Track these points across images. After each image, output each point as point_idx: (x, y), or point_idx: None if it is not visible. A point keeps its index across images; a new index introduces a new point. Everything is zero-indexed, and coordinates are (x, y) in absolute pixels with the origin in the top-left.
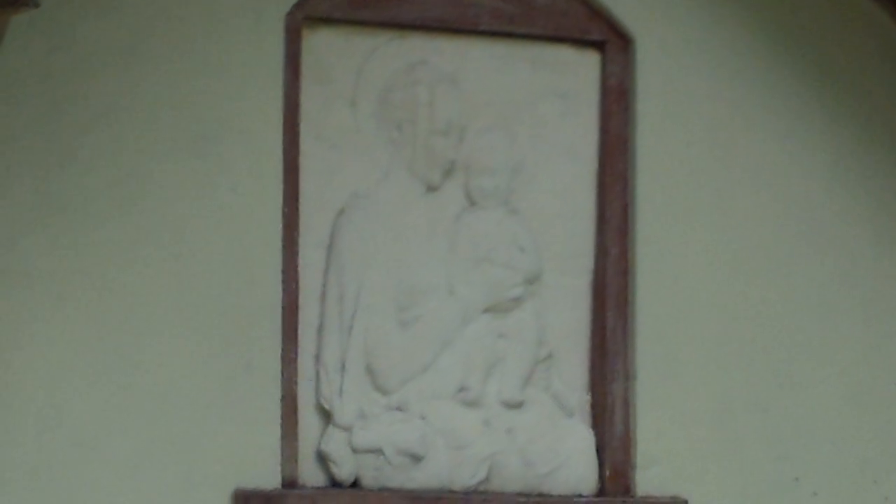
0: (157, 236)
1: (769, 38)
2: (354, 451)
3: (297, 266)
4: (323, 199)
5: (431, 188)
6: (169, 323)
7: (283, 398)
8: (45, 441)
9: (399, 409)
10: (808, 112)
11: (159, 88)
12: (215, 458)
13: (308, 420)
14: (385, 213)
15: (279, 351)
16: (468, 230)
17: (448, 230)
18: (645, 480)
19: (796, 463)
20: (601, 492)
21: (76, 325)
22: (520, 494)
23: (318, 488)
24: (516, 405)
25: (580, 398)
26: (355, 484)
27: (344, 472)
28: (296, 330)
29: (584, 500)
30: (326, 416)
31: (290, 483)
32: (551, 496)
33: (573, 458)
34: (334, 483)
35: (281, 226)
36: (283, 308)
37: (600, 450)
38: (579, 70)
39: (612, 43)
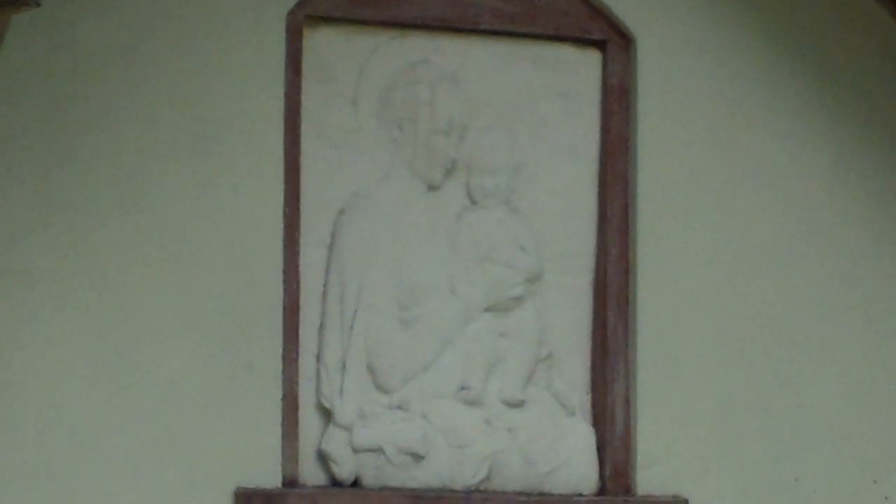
0: (157, 236)
1: (769, 38)
2: (355, 450)
3: (297, 265)
4: (324, 198)
5: (432, 187)
6: (169, 322)
7: (284, 397)
8: (46, 440)
9: (400, 408)
10: (808, 111)
11: (160, 88)
12: (216, 458)
13: (309, 419)
14: (386, 213)
15: (280, 350)
16: (469, 229)
17: (449, 229)
18: (645, 480)
19: (796, 462)
20: (602, 491)
21: (76, 324)
22: (521, 493)
23: (319, 487)
24: (517, 404)
25: (581, 397)
26: (356, 483)
27: (344, 472)
28: (297, 329)
29: (584, 499)
30: (327, 415)
31: (290, 482)
32: (552, 495)
33: (574, 457)
34: (335, 482)
35: (282, 225)
36: (284, 307)
37: (601, 449)
38: (580, 69)
39: (613, 42)
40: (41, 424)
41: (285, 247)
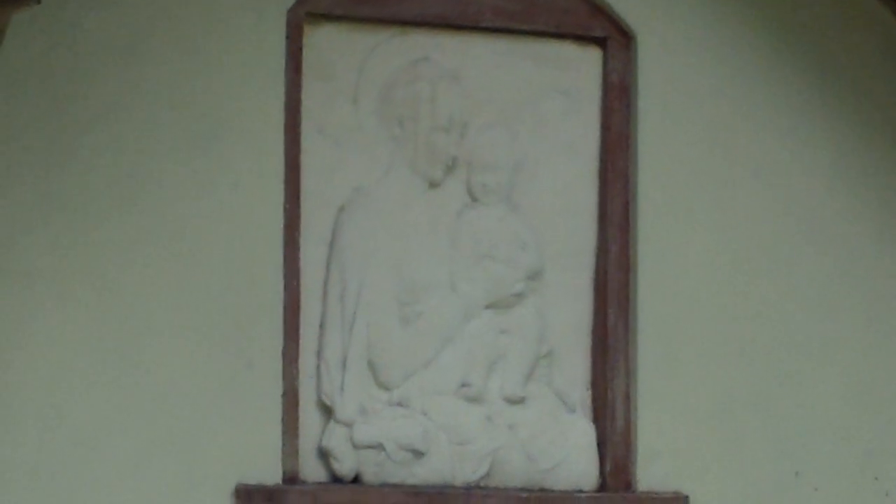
0: (158, 234)
1: (770, 35)
2: (355, 446)
3: (298, 263)
4: (324, 195)
5: (433, 185)
6: (170, 320)
7: (285, 394)
8: (47, 439)
9: (400, 404)
10: (809, 109)
11: (160, 86)
12: (217, 455)
13: (309, 416)
14: (386, 210)
15: (280, 347)
16: (470, 227)
17: (449, 227)
18: (646, 476)
19: (797, 458)
20: (602, 487)
21: (77, 323)
22: (521, 490)
23: (320, 484)
24: (518, 401)
25: (581, 394)
26: (356, 479)
27: (345, 468)
28: (297, 326)
29: (585, 495)
30: (328, 411)
31: (291, 479)
32: (553, 491)
33: (574, 453)
34: (335, 479)
35: (282, 222)
36: (285, 305)
37: (601, 445)
38: (581, 67)
39: (613, 39)
40: (41, 423)
41: (286, 244)
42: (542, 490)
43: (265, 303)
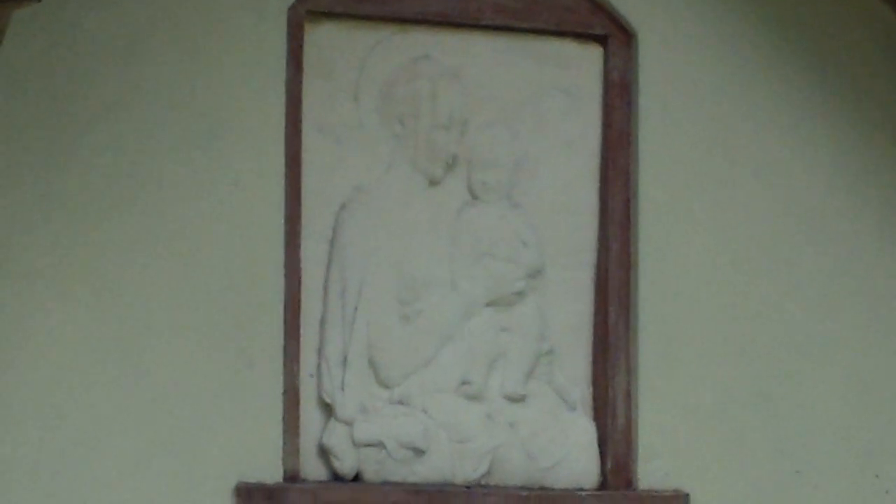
0: (159, 231)
1: (771, 33)
2: (356, 444)
3: (299, 260)
4: (325, 193)
5: (433, 182)
6: (170, 319)
7: (285, 392)
8: (47, 438)
9: (401, 402)
10: (810, 107)
11: (160, 85)
12: (217, 453)
13: (310, 414)
14: (387, 208)
15: (281, 345)
16: (470, 224)
17: (450, 224)
18: (647, 474)
19: (797, 456)
20: (603, 485)
21: (77, 322)
22: (522, 488)
23: (320, 482)
24: (518, 399)
25: (582, 392)
26: (357, 478)
27: (346, 466)
28: (297, 325)
29: (585, 493)
30: (328, 410)
31: (291, 477)
32: (553, 490)
33: (575, 451)
34: (336, 477)
35: (283, 220)
36: (285, 303)
37: (602, 443)
38: (582, 64)
39: (614, 37)
40: (42, 422)
41: (286, 242)
42: (543, 488)
43: (266, 301)
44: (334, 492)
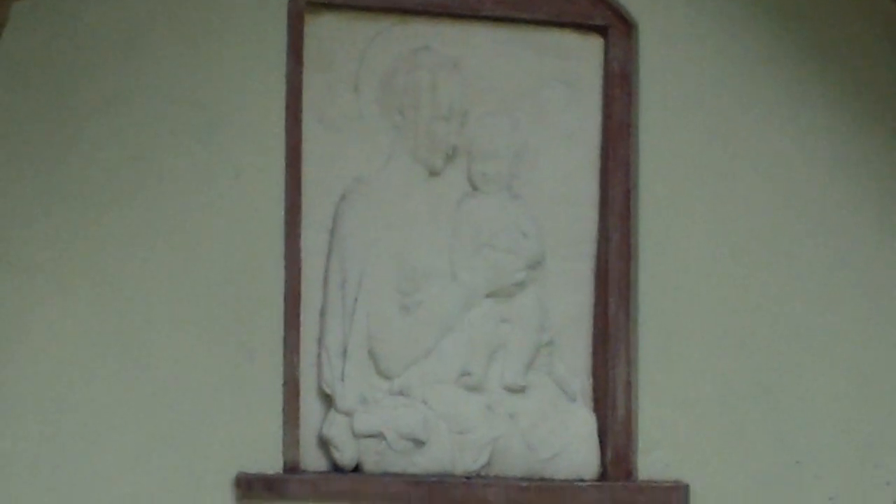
0: (159, 223)
1: (771, 23)
2: (356, 435)
3: (299, 251)
4: (325, 184)
5: (434, 173)
6: (171, 310)
7: (285, 383)
8: (47, 431)
9: (401, 393)
10: (810, 98)
11: (161, 75)
12: (217, 444)
13: (310, 405)
14: (387, 199)
15: (281, 336)
16: (470, 215)
17: (450, 215)
18: (646, 465)
19: (798, 447)
20: (603, 476)
21: (78, 315)
22: (522, 479)
23: (320, 473)
24: (518, 390)
25: (582, 383)
26: (357, 468)
27: (346, 457)
28: (298, 315)
29: (585, 484)
30: (328, 401)
31: (291, 468)
32: (553, 481)
33: (575, 442)
34: (336, 468)
35: (283, 211)
36: (285, 294)
37: (602, 434)
38: (582, 55)
39: (614, 28)
40: (42, 414)
41: (286, 233)
42: (543, 479)
43: (266, 292)
44: (334, 483)
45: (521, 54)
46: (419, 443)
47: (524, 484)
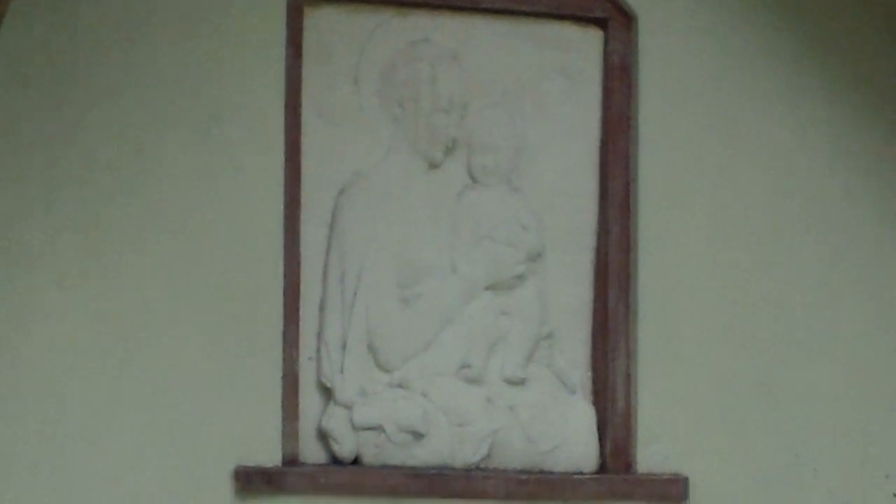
0: (158, 217)
1: (771, 15)
2: (355, 428)
3: (298, 245)
4: (325, 177)
5: (433, 166)
6: (171, 302)
7: (285, 376)
8: (47, 423)
9: (401, 386)
10: (810, 90)
11: (161, 68)
12: (217, 437)
13: (309, 398)
14: (387, 191)
15: (280, 330)
16: (470, 208)
17: (450, 208)
18: (646, 457)
19: (797, 440)
20: (602, 469)
21: (78, 306)
22: (521, 471)
23: (319, 465)
24: (518, 382)
25: (582, 375)
26: (356, 461)
27: (345, 450)
28: (297, 309)
29: (585, 476)
30: (328, 393)
31: (290, 460)
32: (553, 473)
33: (575, 435)
34: (335, 460)
35: (282, 204)
36: (285, 288)
37: (602, 427)
38: (582, 47)
39: (614, 20)
40: (42, 406)
41: (286, 226)
42: (542, 471)
43: (265, 286)
44: (333, 475)
45: (521, 47)
46: (418, 435)
47: (523, 476)
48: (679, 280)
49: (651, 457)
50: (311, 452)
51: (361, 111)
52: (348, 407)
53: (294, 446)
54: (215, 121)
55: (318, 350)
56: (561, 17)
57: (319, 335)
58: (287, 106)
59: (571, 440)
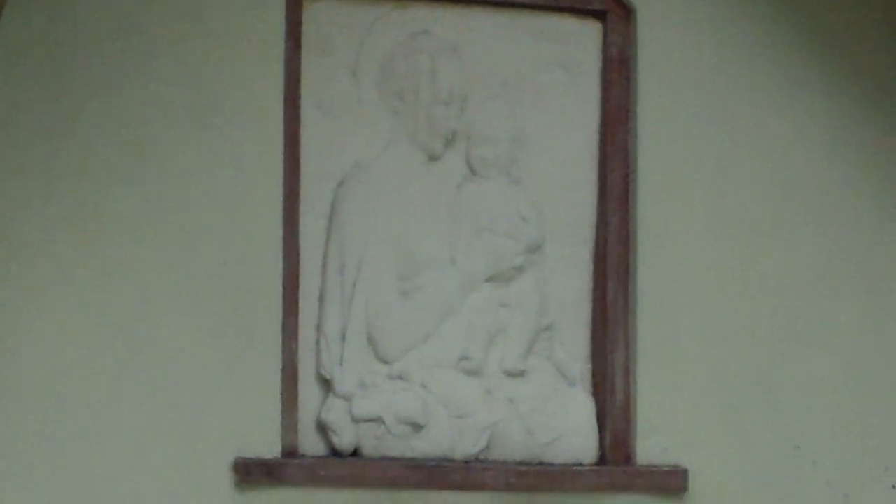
0: (158, 208)
1: (770, 7)
2: (355, 420)
3: (297, 237)
4: (324, 169)
5: (433, 158)
6: (170, 294)
7: (284, 368)
8: (46, 415)
9: (400, 378)
10: (809, 82)
11: (160, 60)
12: (216, 428)
13: (308, 390)
14: (386, 184)
15: (280, 321)
16: (469, 200)
17: (449, 200)
18: (645, 449)
19: (796, 432)
20: (602, 461)
21: (77, 296)
22: (521, 463)
23: (319, 457)
24: (518, 374)
25: (581, 367)
26: (356, 453)
27: (344, 442)
28: (297, 300)
29: (584, 468)
30: (327, 385)
31: (290, 452)
32: (552, 465)
33: (574, 427)
34: (335, 452)
35: (282, 196)
36: (284, 279)
37: (601, 419)
38: (581, 40)
39: (613, 13)
40: (41, 399)
41: (285, 218)
42: (542, 463)
43: (265, 277)
44: (333, 467)
45: (520, 39)
46: (418, 427)
47: (523, 468)
48: (678, 272)
49: (650, 449)
50: (311, 444)
51: (361, 103)
52: (348, 399)
53: (293, 438)
54: (214, 113)
55: (318, 342)
56: (560, 9)
57: (319, 327)
58: (286, 98)
59: (571, 432)
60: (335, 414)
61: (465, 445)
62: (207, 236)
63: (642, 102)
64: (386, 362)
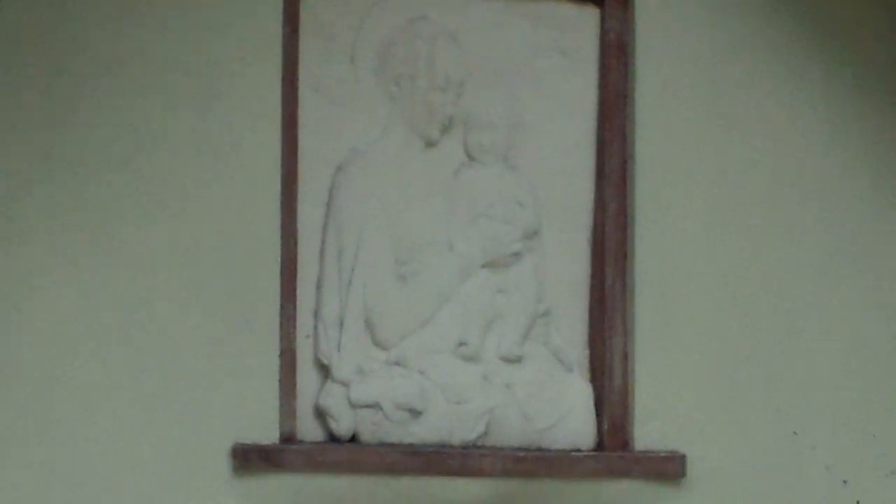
0: (156, 192)
1: None
2: (353, 405)
3: (295, 222)
4: (322, 155)
5: (430, 144)
6: (168, 279)
7: (282, 354)
8: (45, 397)
9: (398, 364)
10: (808, 68)
11: (158, 44)
12: (214, 414)
13: (307, 375)
14: (384, 169)
15: (278, 307)
16: (467, 186)
17: (447, 186)
18: (643, 435)
19: (795, 417)
20: (600, 446)
21: (75, 280)
22: (518, 449)
23: (317, 443)
24: (515, 360)
25: (579, 353)
26: (353, 439)
27: (342, 427)
28: (294, 286)
29: (582, 454)
30: (325, 371)
31: (288, 438)
32: (550, 451)
33: (572, 412)
34: (333, 438)
35: (280, 182)
36: (282, 265)
37: (599, 405)
38: (579, 25)
39: None
40: (38, 383)
41: (283, 204)
42: (540, 449)
43: (262, 263)
44: (331, 453)
45: (518, 24)
46: (416, 413)
47: (521, 454)
48: (676, 257)
49: (648, 434)
50: (309, 430)
51: (358, 88)
52: (345, 384)
53: (291, 424)
54: (212, 97)
55: (316, 328)
56: None
57: (316, 313)
58: (284, 83)
59: (568, 418)
60: (333, 400)
61: (463, 431)
62: (205, 221)
63: (640, 88)
64: (384, 348)
